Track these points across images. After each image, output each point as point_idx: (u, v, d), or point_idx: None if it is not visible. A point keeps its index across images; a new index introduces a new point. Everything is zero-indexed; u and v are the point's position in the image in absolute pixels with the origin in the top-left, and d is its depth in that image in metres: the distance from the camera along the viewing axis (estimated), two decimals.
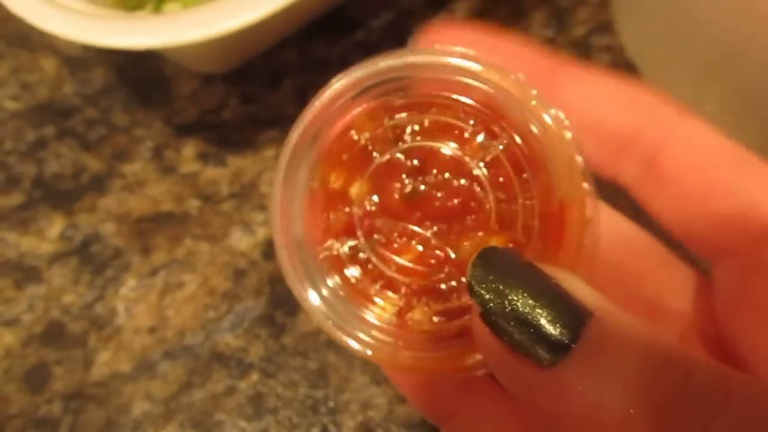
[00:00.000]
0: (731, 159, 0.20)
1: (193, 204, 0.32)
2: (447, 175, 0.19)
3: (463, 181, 0.19)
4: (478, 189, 0.18)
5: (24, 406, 0.29)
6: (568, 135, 0.18)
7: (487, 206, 0.18)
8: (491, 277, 0.15)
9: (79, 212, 0.32)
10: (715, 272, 0.20)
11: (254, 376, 0.29)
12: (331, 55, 0.35)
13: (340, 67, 0.35)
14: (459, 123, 0.19)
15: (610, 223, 0.22)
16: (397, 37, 0.35)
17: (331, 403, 0.28)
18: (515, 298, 0.14)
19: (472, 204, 0.18)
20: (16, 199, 0.33)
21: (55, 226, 0.32)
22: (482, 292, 0.15)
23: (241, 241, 0.31)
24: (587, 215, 0.17)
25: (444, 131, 0.19)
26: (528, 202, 0.18)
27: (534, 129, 0.18)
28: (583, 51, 0.35)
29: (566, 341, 0.14)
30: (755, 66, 0.28)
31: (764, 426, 0.13)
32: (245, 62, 0.34)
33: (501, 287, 0.15)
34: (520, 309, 0.14)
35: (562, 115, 0.18)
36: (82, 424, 0.28)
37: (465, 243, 0.18)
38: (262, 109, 0.34)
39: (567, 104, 0.20)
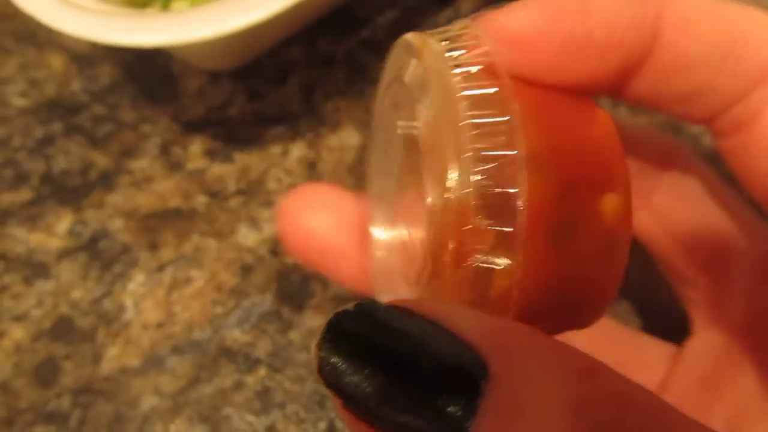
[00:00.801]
0: None
1: (201, 200, 0.32)
2: None
3: None
4: None
5: (34, 400, 0.29)
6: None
7: None
8: (347, 358, 0.11)
9: (87, 208, 0.32)
10: None
11: (261, 371, 0.29)
12: (337, 53, 0.35)
13: (346, 64, 0.35)
14: None
15: None
16: (402, 34, 0.36)
17: None
18: (384, 382, 0.11)
19: None
20: (24, 195, 0.33)
21: (64, 222, 0.32)
22: (338, 378, 0.11)
23: (248, 237, 0.31)
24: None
25: None
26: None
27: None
28: None
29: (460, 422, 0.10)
30: None
31: None
32: (251, 59, 0.34)
33: (360, 369, 0.11)
34: (392, 393, 0.11)
35: None
36: (92, 419, 0.28)
37: None
38: (269, 106, 0.34)
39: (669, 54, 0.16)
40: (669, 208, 0.21)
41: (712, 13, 0.16)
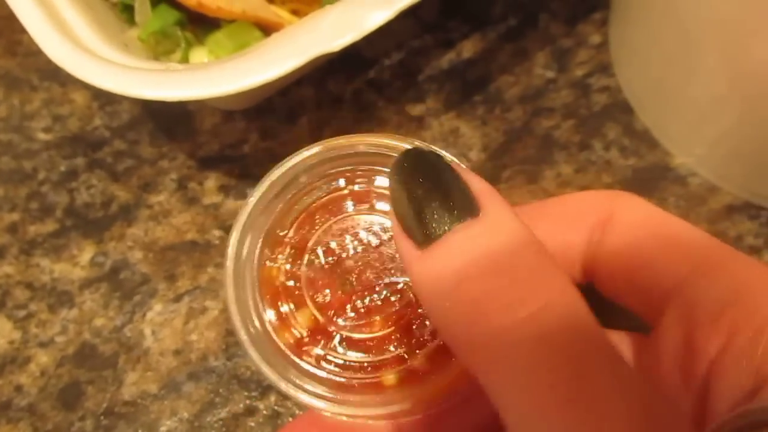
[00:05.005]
0: None
1: (216, 234, 0.34)
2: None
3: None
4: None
5: (58, 422, 0.31)
6: None
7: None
8: (405, 169, 0.18)
9: (109, 240, 0.34)
10: None
11: (272, 398, 0.31)
12: (345, 93, 0.37)
13: (354, 104, 0.37)
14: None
15: None
16: (407, 75, 0.38)
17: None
18: (416, 190, 0.17)
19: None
20: (49, 226, 0.35)
21: (86, 253, 0.34)
22: (395, 178, 0.18)
23: None
24: None
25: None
26: None
27: None
28: (581, 91, 0.37)
29: (428, 238, 0.17)
30: (739, 113, 0.30)
31: None
32: (264, 99, 0.36)
33: (410, 179, 0.18)
34: (415, 200, 0.17)
35: None
36: None
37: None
38: (280, 144, 0.36)
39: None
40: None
41: (550, 203, 0.24)
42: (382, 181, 0.23)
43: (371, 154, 0.22)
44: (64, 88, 0.38)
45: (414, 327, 0.21)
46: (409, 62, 0.38)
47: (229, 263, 0.21)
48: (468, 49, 0.38)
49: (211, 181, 0.35)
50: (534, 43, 0.38)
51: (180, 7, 0.32)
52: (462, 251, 0.16)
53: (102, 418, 0.31)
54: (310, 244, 0.22)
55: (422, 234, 0.17)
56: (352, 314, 0.21)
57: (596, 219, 0.22)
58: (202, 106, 0.37)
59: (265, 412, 0.31)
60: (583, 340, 0.15)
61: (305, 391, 0.20)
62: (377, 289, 0.21)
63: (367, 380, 0.21)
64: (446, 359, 0.20)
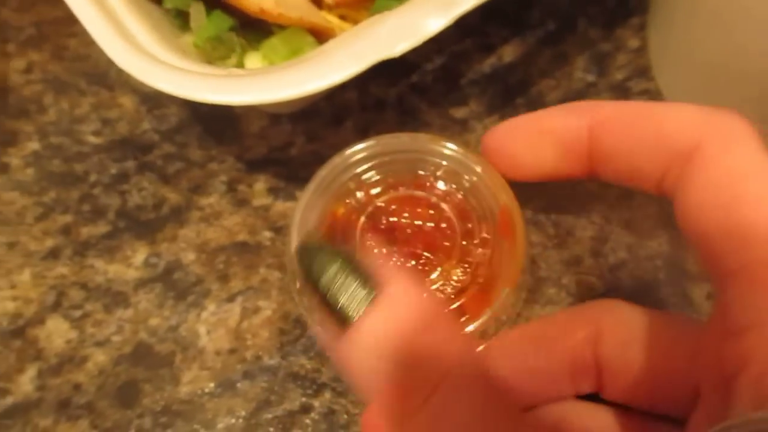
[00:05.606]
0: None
1: (266, 235, 0.35)
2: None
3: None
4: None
5: (117, 420, 0.32)
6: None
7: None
8: (306, 269, 0.21)
9: (162, 242, 0.35)
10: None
11: (327, 395, 0.32)
12: (388, 97, 0.38)
13: (397, 107, 0.38)
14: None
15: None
16: (449, 79, 0.38)
17: None
18: (321, 288, 0.20)
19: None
20: (102, 228, 0.36)
21: (140, 254, 0.35)
22: (303, 278, 0.21)
23: None
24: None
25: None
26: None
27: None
28: (622, 95, 0.37)
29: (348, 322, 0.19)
30: None
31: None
32: (310, 103, 0.37)
33: (312, 278, 0.20)
34: (323, 296, 0.20)
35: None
36: None
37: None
38: (326, 146, 0.37)
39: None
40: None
41: (630, 116, 0.23)
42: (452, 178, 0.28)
43: (449, 157, 0.28)
44: (112, 92, 0.39)
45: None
46: (450, 66, 0.39)
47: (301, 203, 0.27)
48: (508, 53, 0.39)
49: (260, 183, 0.36)
50: (573, 48, 0.39)
51: (234, 13, 0.33)
52: (367, 340, 0.19)
53: (160, 415, 0.32)
54: (372, 206, 0.27)
55: (336, 321, 0.20)
56: None
57: (682, 146, 0.21)
58: (249, 110, 0.38)
59: (320, 409, 0.31)
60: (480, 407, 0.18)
61: None
62: (413, 257, 0.26)
63: None
64: None
